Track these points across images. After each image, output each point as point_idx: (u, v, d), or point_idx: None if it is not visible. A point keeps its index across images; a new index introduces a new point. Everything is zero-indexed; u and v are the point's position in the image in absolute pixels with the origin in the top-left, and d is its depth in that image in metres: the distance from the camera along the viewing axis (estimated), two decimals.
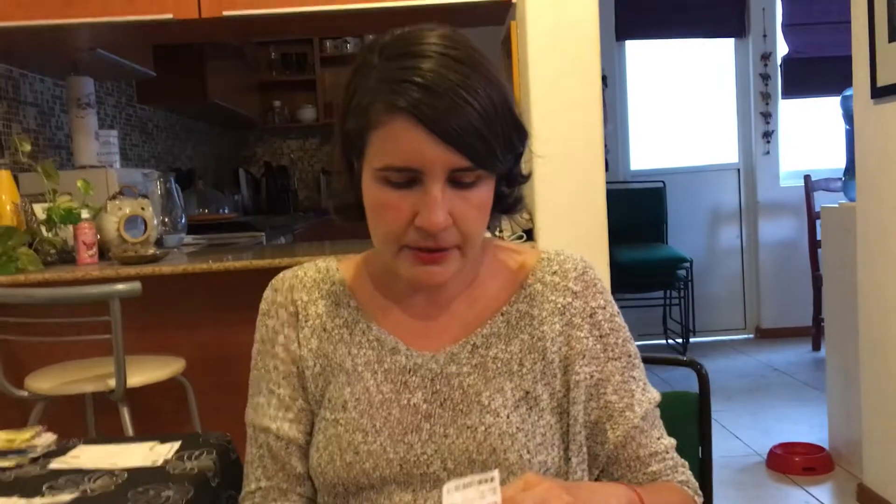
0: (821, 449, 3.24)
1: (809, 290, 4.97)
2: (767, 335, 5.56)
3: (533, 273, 1.01)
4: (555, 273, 1.01)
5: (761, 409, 4.00)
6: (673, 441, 1.03)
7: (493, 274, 1.02)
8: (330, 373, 1.00)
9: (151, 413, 2.59)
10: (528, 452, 0.93)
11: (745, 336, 5.68)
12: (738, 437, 3.57)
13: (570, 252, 1.04)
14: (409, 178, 0.88)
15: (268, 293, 1.06)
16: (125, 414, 2.21)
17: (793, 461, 3.18)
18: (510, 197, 1.00)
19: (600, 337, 0.99)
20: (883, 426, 2.73)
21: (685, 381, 1.30)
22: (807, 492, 3.01)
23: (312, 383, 1.01)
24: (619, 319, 1.02)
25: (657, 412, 1.02)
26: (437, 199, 0.87)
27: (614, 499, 0.87)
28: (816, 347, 5.00)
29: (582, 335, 0.99)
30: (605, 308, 1.01)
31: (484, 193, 0.91)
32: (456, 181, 0.88)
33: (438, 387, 0.97)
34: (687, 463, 1.03)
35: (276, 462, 1.02)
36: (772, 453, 3.26)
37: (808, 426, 3.63)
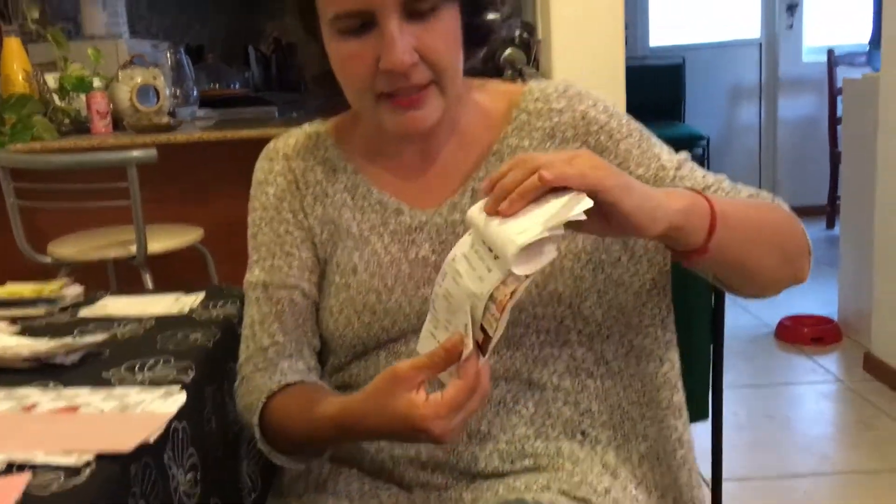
0: (830, 321, 3.29)
1: (826, 168, 4.91)
2: None
3: (517, 106, 0.98)
4: (537, 100, 0.97)
5: None
6: (723, 175, 0.96)
7: (477, 115, 0.99)
8: (338, 237, 0.99)
9: (172, 281, 2.64)
10: (537, 287, 0.92)
11: None
12: (748, 310, 3.61)
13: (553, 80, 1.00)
14: (363, 22, 0.84)
15: (262, 163, 1.04)
16: (147, 280, 2.25)
17: (802, 331, 3.23)
18: (481, 25, 0.93)
19: (600, 129, 0.95)
20: (894, 296, 2.76)
21: None
22: (814, 361, 3.07)
23: (321, 250, 1.00)
24: (614, 108, 0.98)
25: (692, 163, 0.97)
26: (395, 35, 0.83)
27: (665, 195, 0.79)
28: (830, 226, 4.99)
29: (577, 145, 0.96)
30: (595, 105, 0.97)
31: (447, 21, 0.87)
32: (412, 13, 0.84)
33: (445, 237, 0.96)
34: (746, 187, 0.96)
35: (297, 318, 1.01)
36: (781, 325, 3.31)
37: (818, 300, 3.66)
